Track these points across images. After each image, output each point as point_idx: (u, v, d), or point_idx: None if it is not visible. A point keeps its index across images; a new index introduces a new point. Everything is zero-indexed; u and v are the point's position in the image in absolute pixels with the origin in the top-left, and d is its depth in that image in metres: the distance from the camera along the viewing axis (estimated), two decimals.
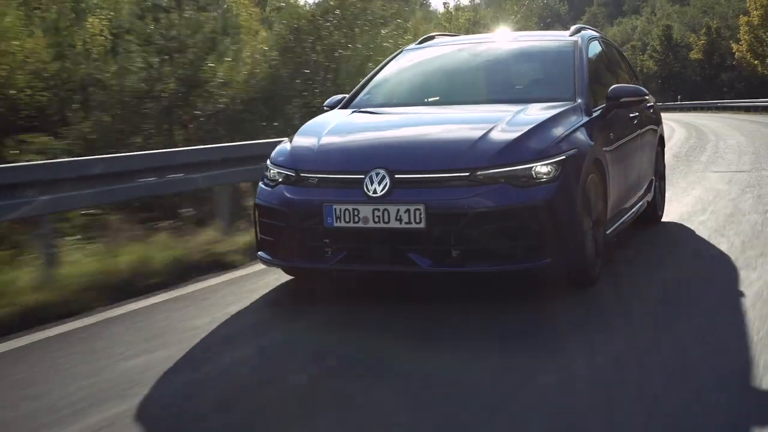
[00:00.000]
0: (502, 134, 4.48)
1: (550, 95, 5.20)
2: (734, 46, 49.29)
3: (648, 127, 6.62)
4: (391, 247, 4.34)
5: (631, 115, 5.92)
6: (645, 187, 6.51)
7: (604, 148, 5.03)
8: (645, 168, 6.45)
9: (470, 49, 6.14)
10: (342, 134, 4.91)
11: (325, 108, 5.85)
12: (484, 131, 4.49)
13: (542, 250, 4.32)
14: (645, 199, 6.48)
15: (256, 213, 4.79)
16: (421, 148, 4.52)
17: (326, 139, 4.78)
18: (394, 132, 4.84)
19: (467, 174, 4.26)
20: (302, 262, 4.64)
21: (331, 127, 5.00)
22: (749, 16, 46.51)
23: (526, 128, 4.54)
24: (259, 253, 4.79)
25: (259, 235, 4.80)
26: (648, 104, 6.92)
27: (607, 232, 5.06)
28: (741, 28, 47.57)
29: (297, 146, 4.82)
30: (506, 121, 4.64)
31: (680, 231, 6.63)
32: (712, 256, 5.57)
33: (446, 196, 4.24)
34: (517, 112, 4.81)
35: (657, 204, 6.97)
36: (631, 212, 5.84)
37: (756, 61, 46.71)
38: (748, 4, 47.27)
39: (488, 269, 4.32)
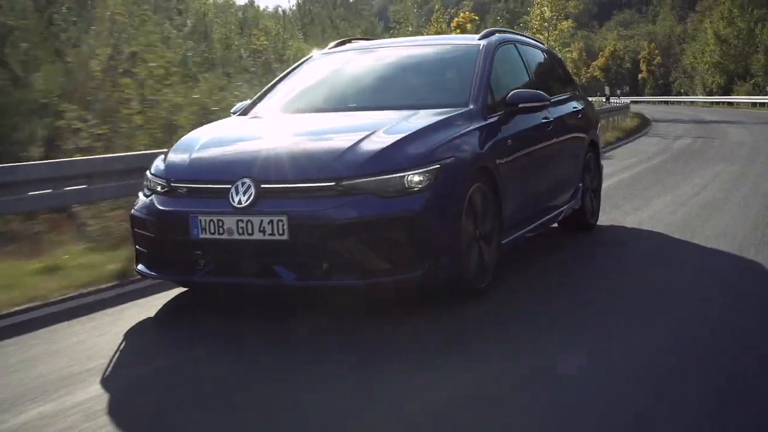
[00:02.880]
0: (374, 142, 4.33)
1: (444, 101, 5.06)
2: None
3: (572, 135, 6.44)
4: (257, 260, 4.19)
5: (544, 120, 5.75)
6: (567, 195, 6.34)
7: (497, 156, 4.87)
8: (565, 176, 6.28)
9: (378, 54, 6.00)
10: (218, 143, 4.77)
11: (231, 114, 5.75)
12: (358, 139, 4.34)
13: (412, 262, 4.17)
14: (567, 207, 6.31)
15: (131, 224, 4.66)
16: (289, 157, 4.37)
17: (202, 148, 4.65)
18: (267, 141, 4.68)
19: (332, 184, 4.11)
20: (174, 275, 4.52)
21: (210, 136, 4.88)
22: None
23: (400, 136, 4.39)
24: (137, 267, 4.64)
25: (136, 246, 4.67)
26: (576, 110, 6.76)
27: (503, 241, 4.90)
28: None
29: (173, 155, 4.69)
30: (385, 129, 4.49)
31: None
32: None
33: (309, 207, 4.09)
34: (401, 120, 4.67)
35: (587, 212, 6.79)
36: (541, 221, 5.67)
37: None
38: None
39: (355, 283, 4.17)
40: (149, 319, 4.52)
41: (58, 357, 3.87)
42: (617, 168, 12.20)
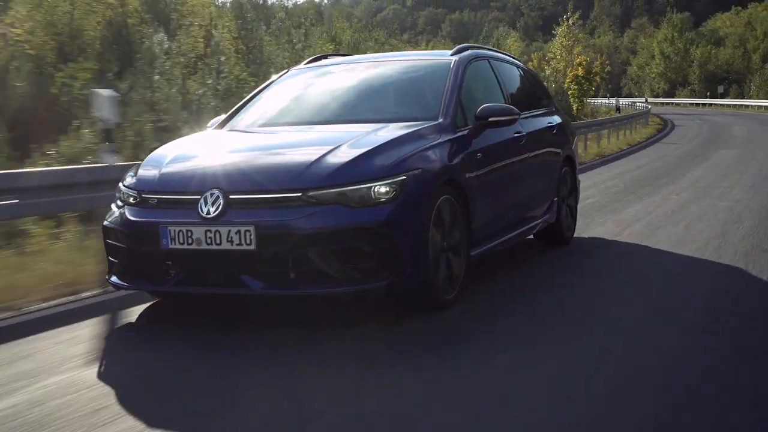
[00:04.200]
0: (342, 154, 4.40)
1: (414, 114, 5.14)
2: None
3: (546, 149, 6.53)
4: (225, 270, 4.25)
5: (516, 135, 5.83)
6: (542, 209, 6.41)
7: (466, 169, 4.94)
8: (539, 190, 6.35)
9: (352, 69, 6.09)
10: (189, 156, 4.83)
11: (207, 128, 5.82)
12: (325, 151, 4.42)
13: (378, 272, 4.23)
14: (542, 221, 6.38)
15: (104, 235, 4.71)
16: (257, 169, 4.44)
17: (173, 161, 4.71)
18: (236, 154, 4.76)
19: (299, 194, 4.17)
20: (146, 285, 4.57)
21: (182, 149, 4.95)
22: None
23: (368, 148, 4.46)
24: (109, 278, 4.69)
25: (108, 258, 4.72)
26: (551, 125, 6.85)
27: (472, 254, 4.97)
28: None
29: (144, 168, 4.75)
30: (353, 141, 4.57)
31: None
32: None
33: (276, 217, 4.15)
34: (369, 132, 4.74)
35: (563, 225, 6.86)
36: (513, 234, 5.74)
37: None
38: None
39: (321, 291, 4.23)
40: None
41: None
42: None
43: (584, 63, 37.73)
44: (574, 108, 35.37)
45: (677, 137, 26.62)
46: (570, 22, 45.28)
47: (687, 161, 16.23)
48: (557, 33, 46.35)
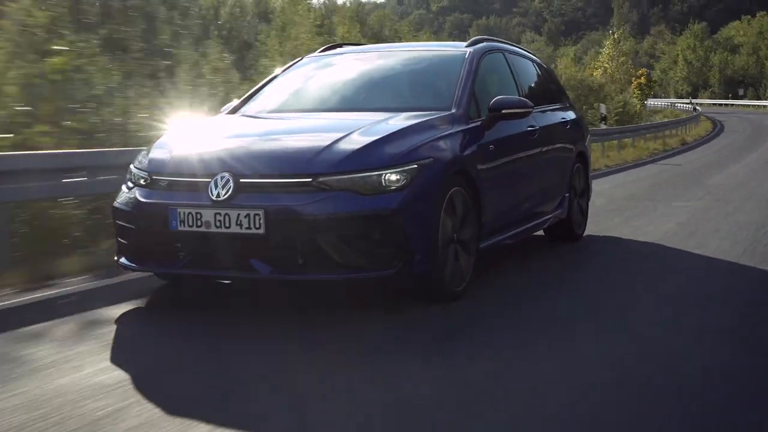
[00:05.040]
0: (353, 141, 4.39)
1: (427, 104, 5.12)
2: None
3: (558, 144, 6.50)
4: (233, 253, 4.25)
5: (529, 128, 5.81)
6: (553, 204, 6.39)
7: (478, 160, 4.92)
8: (551, 184, 6.33)
9: (366, 58, 6.08)
10: (200, 139, 4.83)
11: (220, 113, 5.83)
12: (337, 138, 4.41)
13: (387, 259, 4.22)
14: (552, 216, 6.36)
15: (113, 216, 4.72)
16: (268, 153, 4.43)
17: (184, 143, 4.72)
18: (248, 138, 4.76)
19: (309, 179, 4.17)
20: (154, 266, 4.58)
21: (194, 132, 4.95)
22: None
23: (379, 136, 4.45)
24: (118, 259, 4.69)
25: (117, 239, 4.73)
26: (564, 120, 6.82)
27: (481, 246, 4.95)
28: None
29: (157, 149, 4.76)
30: (365, 129, 4.56)
31: None
32: None
33: (286, 202, 4.14)
34: (381, 120, 4.73)
35: (574, 221, 6.83)
36: (523, 228, 5.72)
37: None
38: None
39: (330, 277, 4.22)
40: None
41: None
42: None
43: (645, 73, 48.69)
44: (638, 108, 41.80)
45: (733, 128, 38.10)
46: (615, 36, 54.94)
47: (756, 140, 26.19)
48: (605, 46, 56.98)
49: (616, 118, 32.07)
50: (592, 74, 47.53)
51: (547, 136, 6.16)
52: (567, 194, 6.65)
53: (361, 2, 52.05)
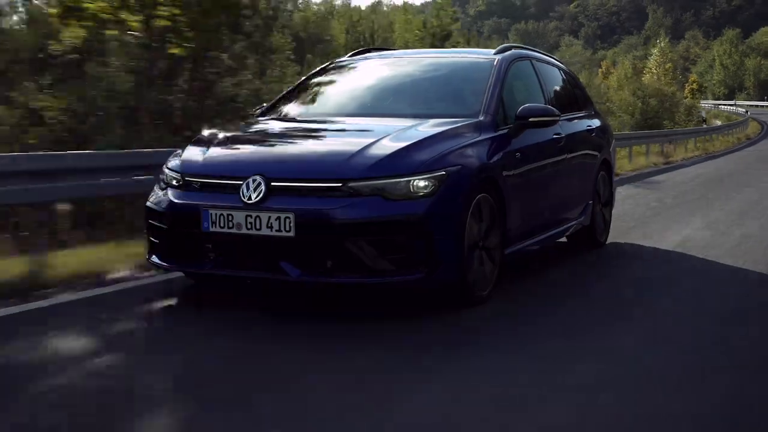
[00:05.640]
0: (383, 147, 4.46)
1: (455, 111, 5.18)
2: None
3: (584, 152, 6.54)
4: (263, 255, 4.33)
5: (555, 136, 5.85)
6: (577, 211, 6.43)
7: (504, 167, 4.98)
8: (575, 192, 6.38)
9: (395, 63, 6.15)
10: (233, 141, 4.93)
11: (251, 115, 5.92)
12: (367, 143, 4.48)
13: (414, 264, 4.29)
14: (576, 223, 6.40)
15: (146, 215, 4.82)
16: (299, 157, 4.53)
17: (217, 146, 4.81)
18: (279, 141, 4.86)
19: (339, 184, 4.24)
20: (184, 266, 4.67)
21: (226, 134, 5.04)
22: None
23: (409, 142, 4.52)
24: (149, 257, 4.79)
25: (149, 237, 4.82)
26: (590, 128, 6.86)
27: (506, 251, 5.00)
28: None
29: (189, 151, 4.85)
30: (394, 135, 4.63)
31: None
32: None
33: (316, 206, 4.22)
34: (410, 127, 4.80)
35: (597, 229, 6.87)
36: (547, 234, 5.77)
37: None
38: None
39: (357, 281, 4.29)
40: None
41: None
42: None
43: (696, 80, 54.07)
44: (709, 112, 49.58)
45: None
46: (662, 45, 61.53)
47: None
48: (652, 54, 63.65)
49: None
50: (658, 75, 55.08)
51: (572, 144, 6.21)
52: (590, 201, 6.69)
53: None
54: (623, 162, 17.62)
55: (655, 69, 59.53)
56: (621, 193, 10.64)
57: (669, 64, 60.76)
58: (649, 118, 37.51)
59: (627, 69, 52.75)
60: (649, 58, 66.58)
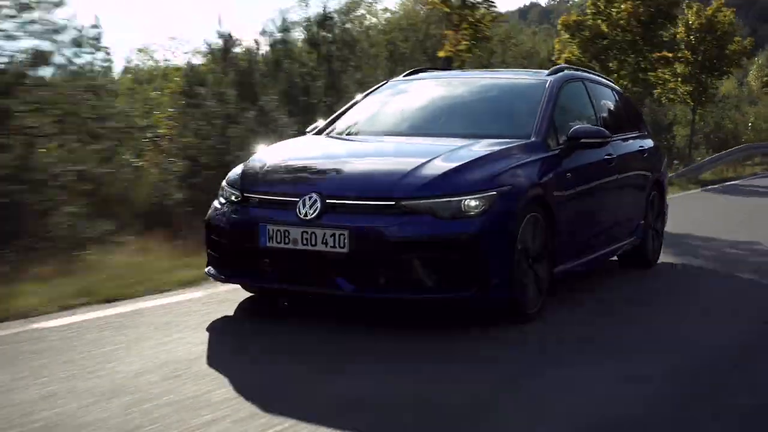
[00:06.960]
0: (435, 166, 4.58)
1: (507, 132, 5.27)
2: None
3: (635, 172, 6.57)
4: (318, 270, 4.47)
5: (606, 157, 5.90)
6: (627, 231, 6.45)
7: (555, 188, 5.05)
8: (626, 212, 6.40)
9: (448, 83, 6.26)
10: (290, 159, 5.09)
11: (306, 133, 6.08)
12: (420, 163, 4.60)
13: (464, 282, 4.38)
14: (627, 243, 6.42)
15: (206, 229, 4.99)
16: (354, 176, 4.67)
17: (274, 163, 4.97)
18: (335, 160, 5.00)
19: (393, 203, 4.36)
20: (242, 279, 4.83)
21: (284, 152, 5.21)
22: None
23: (460, 162, 4.63)
24: (207, 269, 4.97)
25: (207, 250, 4.99)
26: (642, 149, 6.88)
27: (555, 270, 5.07)
28: None
29: (248, 168, 5.01)
30: (447, 155, 4.74)
31: None
32: None
33: (370, 223, 4.35)
34: (462, 147, 4.91)
35: (648, 249, 6.88)
36: (597, 254, 5.81)
37: None
38: None
39: (410, 297, 4.42)
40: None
41: None
42: None
43: None
44: None
45: None
46: (760, 62, 62.89)
47: None
48: (751, 69, 63.67)
49: None
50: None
51: (624, 165, 6.24)
52: (642, 221, 6.70)
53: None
54: None
55: (753, 82, 61.37)
56: None
57: (766, 78, 62.76)
58: None
59: (730, 87, 53.98)
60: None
